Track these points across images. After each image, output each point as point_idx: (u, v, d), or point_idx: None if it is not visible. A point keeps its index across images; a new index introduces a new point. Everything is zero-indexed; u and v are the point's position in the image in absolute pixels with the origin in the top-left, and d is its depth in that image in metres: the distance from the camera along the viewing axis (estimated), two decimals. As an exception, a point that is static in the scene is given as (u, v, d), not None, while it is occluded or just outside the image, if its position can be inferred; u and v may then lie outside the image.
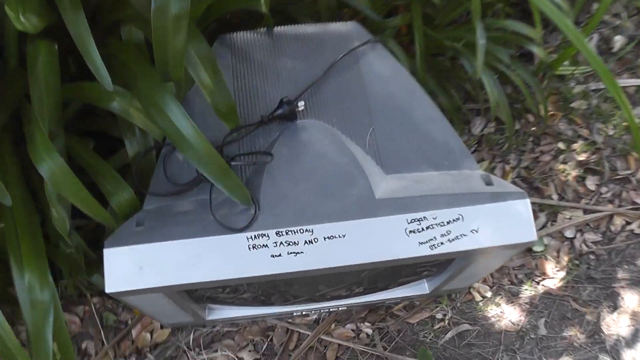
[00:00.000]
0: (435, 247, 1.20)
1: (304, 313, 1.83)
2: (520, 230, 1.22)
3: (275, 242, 1.18)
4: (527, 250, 1.95)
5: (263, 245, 1.20)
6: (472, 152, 2.07)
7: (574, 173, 2.08)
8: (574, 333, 1.78)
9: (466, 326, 1.84)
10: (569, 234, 1.99)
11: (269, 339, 1.81)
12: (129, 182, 1.28)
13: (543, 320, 1.84)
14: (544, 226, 2.00)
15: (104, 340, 1.83)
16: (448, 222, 1.21)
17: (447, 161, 1.34)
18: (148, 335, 1.87)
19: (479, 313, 1.87)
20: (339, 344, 1.78)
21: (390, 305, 1.87)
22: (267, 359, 1.82)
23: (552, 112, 2.15)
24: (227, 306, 1.68)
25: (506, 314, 1.85)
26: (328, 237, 1.19)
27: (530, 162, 2.13)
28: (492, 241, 1.21)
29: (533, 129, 2.16)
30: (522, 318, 1.84)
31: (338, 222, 1.16)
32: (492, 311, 1.87)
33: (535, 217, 1.96)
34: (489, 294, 1.89)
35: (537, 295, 1.88)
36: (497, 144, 2.15)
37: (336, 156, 1.24)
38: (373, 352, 1.78)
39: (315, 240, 1.19)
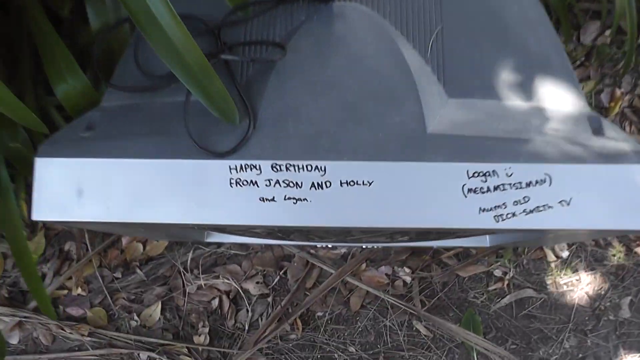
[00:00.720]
0: (503, 220, 0.89)
1: (330, 246, 1.48)
2: (637, 212, 0.88)
3: (269, 180, 0.89)
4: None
5: (251, 181, 0.90)
6: (577, 67, 1.78)
7: None
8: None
9: (529, 292, 1.58)
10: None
11: (282, 271, 1.62)
12: (88, 69, 0.93)
13: (628, 299, 1.57)
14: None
15: (88, 246, 1.64)
16: (528, 184, 0.88)
17: (541, 87, 0.99)
18: (140, 247, 1.65)
19: (549, 277, 1.59)
20: (368, 291, 1.57)
21: (440, 250, 1.61)
22: (277, 296, 1.61)
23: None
24: (233, 236, 1.36)
25: (583, 284, 1.59)
26: (346, 183, 0.89)
27: (649, 87, 1.77)
28: (589, 222, 0.89)
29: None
30: (602, 292, 1.58)
31: (365, 161, 0.88)
32: (565, 277, 1.60)
33: None
34: (565, 254, 1.61)
35: (627, 265, 1.60)
36: (611, 59, 1.77)
37: (380, 61, 0.95)
38: (407, 307, 1.54)
39: (328, 184, 0.89)
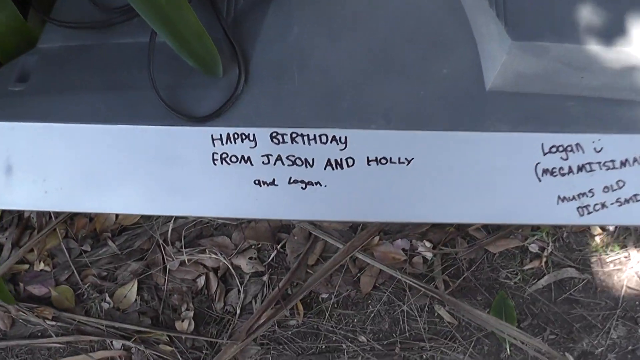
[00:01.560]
0: (589, 213, 0.71)
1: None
2: None
3: (268, 156, 0.69)
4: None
5: (242, 157, 0.69)
6: None
7: None
8: None
9: (571, 272, 1.43)
10: None
11: (280, 245, 1.44)
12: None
13: None
14: None
15: (52, 212, 1.44)
16: (623, 164, 0.70)
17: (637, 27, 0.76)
18: (112, 215, 1.46)
19: (593, 254, 1.44)
20: (381, 270, 1.40)
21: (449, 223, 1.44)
22: (274, 274, 1.44)
23: None
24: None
25: (633, 262, 1.44)
26: (375, 160, 0.69)
27: None
28: None
29: None
30: None
31: (401, 130, 0.68)
32: (612, 254, 1.45)
33: None
34: (612, 227, 1.46)
35: None
36: None
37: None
38: (427, 289, 1.38)
39: (349, 161, 0.68)
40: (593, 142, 0.68)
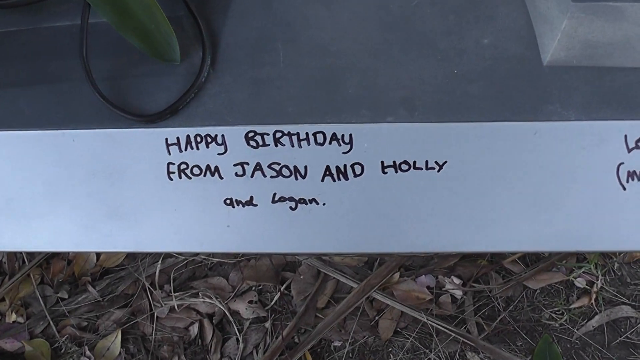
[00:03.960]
0: None
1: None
2: None
3: (243, 165, 0.51)
4: None
5: (207, 168, 0.52)
6: None
7: None
8: None
9: (626, 310, 1.27)
10: None
11: (284, 286, 1.29)
12: None
13: None
14: None
15: (24, 257, 1.33)
16: None
17: None
18: (93, 256, 1.33)
19: None
20: (403, 312, 1.25)
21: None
22: (278, 320, 1.28)
23: None
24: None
25: None
26: (393, 166, 0.51)
27: None
28: None
29: None
30: None
31: (429, 122, 0.51)
32: None
33: None
34: None
35: None
36: None
37: None
38: (458, 334, 1.22)
39: (358, 169, 0.51)
40: None
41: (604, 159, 0.51)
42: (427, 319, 1.20)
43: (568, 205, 0.51)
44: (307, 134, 0.50)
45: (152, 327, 1.28)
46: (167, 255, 1.31)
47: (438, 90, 0.51)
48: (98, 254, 1.32)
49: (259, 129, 0.50)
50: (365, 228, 0.50)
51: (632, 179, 0.51)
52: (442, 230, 0.50)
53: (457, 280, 1.26)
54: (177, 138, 0.51)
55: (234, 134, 0.50)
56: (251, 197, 0.50)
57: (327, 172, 0.50)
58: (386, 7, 0.55)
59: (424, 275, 1.27)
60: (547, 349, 1.21)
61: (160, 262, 1.30)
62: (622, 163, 0.51)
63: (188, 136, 0.50)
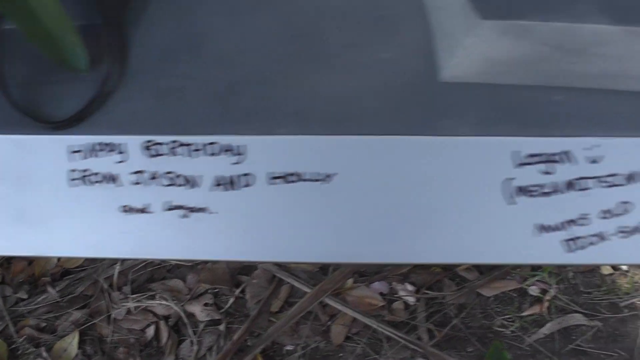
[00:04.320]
0: (581, 247, 0.54)
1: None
2: None
3: (140, 173, 0.53)
4: None
5: (106, 176, 0.54)
6: None
7: None
8: None
9: (578, 318, 1.29)
10: None
11: (239, 290, 1.31)
12: None
13: None
14: None
15: None
16: (630, 179, 0.54)
17: None
18: (54, 257, 1.35)
19: (604, 298, 1.29)
20: (355, 318, 1.27)
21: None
22: (232, 323, 1.29)
23: None
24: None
25: None
26: (281, 177, 0.53)
27: None
28: None
29: None
30: None
31: (318, 135, 0.53)
32: (627, 297, 1.32)
33: None
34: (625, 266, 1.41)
35: None
36: None
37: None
38: (408, 341, 1.22)
39: (247, 179, 0.53)
40: (588, 148, 0.52)
41: (494, 174, 0.52)
42: (377, 325, 1.22)
43: (456, 219, 0.52)
44: (202, 144, 0.51)
45: (110, 329, 1.28)
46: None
47: (333, 103, 0.53)
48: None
49: (158, 138, 0.51)
50: (253, 237, 0.52)
51: (520, 194, 0.53)
52: (327, 240, 0.51)
53: (410, 287, 1.28)
54: (80, 146, 0.52)
55: (134, 143, 0.52)
56: (146, 205, 0.52)
57: (218, 182, 0.51)
58: (291, 20, 0.57)
59: (377, 282, 1.29)
60: (497, 356, 1.23)
61: (119, 263, 1.32)
62: (511, 178, 0.53)
63: (91, 144, 0.52)
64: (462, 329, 1.26)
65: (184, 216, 0.53)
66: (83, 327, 1.31)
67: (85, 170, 0.53)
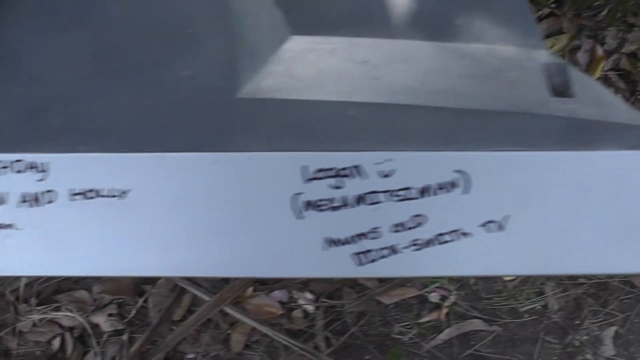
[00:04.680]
0: (372, 260, 0.57)
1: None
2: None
3: None
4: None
5: None
6: (541, 18, 1.51)
7: None
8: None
9: (477, 324, 1.30)
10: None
11: (143, 299, 1.32)
12: None
13: (612, 330, 1.30)
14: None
15: None
16: (423, 193, 0.56)
17: (468, 19, 0.67)
18: None
19: (505, 304, 1.30)
20: (254, 327, 1.28)
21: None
22: (136, 332, 1.30)
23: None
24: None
25: (551, 311, 1.32)
26: (81, 193, 0.55)
27: (644, 45, 1.54)
28: (538, 265, 0.59)
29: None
30: (578, 322, 1.31)
31: (115, 152, 0.54)
32: (527, 303, 1.33)
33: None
34: None
35: (612, 284, 1.34)
36: (591, 7, 1.56)
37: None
38: (304, 350, 1.24)
39: (50, 196, 0.55)
40: (379, 163, 0.55)
41: (284, 189, 0.54)
42: (274, 334, 1.23)
43: (246, 234, 0.54)
44: (10, 162, 0.53)
45: (16, 342, 1.28)
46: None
47: (134, 121, 0.55)
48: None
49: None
50: (58, 252, 0.54)
51: (309, 209, 0.54)
52: (123, 253, 0.53)
53: (310, 296, 1.29)
54: None
55: None
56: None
57: (24, 199, 0.53)
58: (100, 39, 0.59)
59: (277, 290, 1.30)
60: (395, 361, 1.25)
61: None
62: (300, 193, 0.54)
63: None
64: (360, 337, 1.28)
65: (-5, 233, 0.55)
66: (-12, 340, 1.32)
67: None
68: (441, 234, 0.57)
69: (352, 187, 0.55)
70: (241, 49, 0.59)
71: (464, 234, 0.57)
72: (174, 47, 0.58)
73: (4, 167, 0.55)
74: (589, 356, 1.29)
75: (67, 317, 1.28)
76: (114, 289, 1.29)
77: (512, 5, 0.66)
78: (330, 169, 0.55)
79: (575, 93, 0.64)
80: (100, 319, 1.28)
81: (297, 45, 0.61)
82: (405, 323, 1.29)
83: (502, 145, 0.57)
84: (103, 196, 0.54)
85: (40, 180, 0.54)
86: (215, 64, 0.58)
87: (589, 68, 1.46)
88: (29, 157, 0.54)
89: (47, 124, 0.56)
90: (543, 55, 0.66)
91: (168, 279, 1.27)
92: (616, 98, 0.65)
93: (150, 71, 0.57)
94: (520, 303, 1.31)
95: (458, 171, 0.56)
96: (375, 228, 0.56)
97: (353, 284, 1.30)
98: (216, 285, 1.29)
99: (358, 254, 0.56)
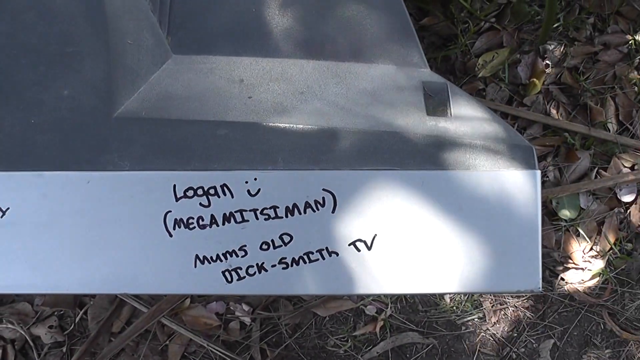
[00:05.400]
0: (240, 278, 0.58)
1: None
2: (498, 263, 0.61)
3: None
4: (546, 213, 1.37)
5: None
6: (484, 30, 1.46)
7: (653, 91, 1.48)
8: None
9: (413, 336, 1.29)
10: (625, 194, 1.39)
11: (83, 311, 1.31)
12: None
13: (551, 343, 1.30)
14: (584, 175, 1.40)
15: None
16: (291, 212, 0.58)
17: (348, 37, 0.69)
18: None
19: (442, 316, 1.30)
20: (191, 338, 1.27)
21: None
22: (75, 344, 1.30)
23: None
24: None
25: (488, 324, 1.32)
26: None
27: (583, 59, 1.50)
28: (412, 285, 0.61)
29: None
30: (515, 334, 1.31)
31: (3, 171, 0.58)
32: (464, 315, 1.31)
33: (569, 158, 1.38)
34: None
35: (550, 297, 1.33)
36: (532, 21, 1.49)
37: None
38: None
39: None
40: (246, 182, 0.56)
41: (155, 208, 0.55)
42: (208, 346, 1.24)
43: (119, 251, 0.55)
44: None
45: (-42, 355, 1.33)
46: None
47: (10, 139, 0.56)
48: None
49: None
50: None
51: (179, 227, 0.56)
52: (7, 271, 0.55)
53: (246, 307, 1.29)
54: None
55: None
56: None
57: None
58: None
59: (214, 302, 1.30)
60: (327, 375, 1.25)
61: (-34, 287, 1.30)
62: (170, 211, 0.56)
63: None
64: (295, 349, 1.28)
65: None
66: None
67: None
68: (309, 252, 0.58)
69: (220, 206, 0.57)
70: (122, 69, 0.60)
71: (332, 252, 0.58)
72: (55, 66, 0.60)
73: None
74: (524, 368, 1.32)
75: (9, 329, 1.29)
76: (54, 301, 1.30)
77: (394, 23, 0.68)
78: (199, 188, 0.56)
79: (451, 113, 0.65)
80: (41, 331, 1.29)
81: (177, 64, 0.62)
82: (341, 336, 1.30)
83: (370, 164, 0.59)
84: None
85: None
86: (95, 83, 0.59)
87: (530, 82, 1.42)
88: None
89: None
90: (424, 74, 0.68)
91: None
92: (497, 117, 0.66)
93: (32, 90, 0.59)
94: (458, 315, 1.32)
95: (325, 190, 0.58)
96: (243, 246, 0.57)
97: (289, 296, 1.30)
98: (155, 297, 1.29)
99: (226, 271, 0.57)
